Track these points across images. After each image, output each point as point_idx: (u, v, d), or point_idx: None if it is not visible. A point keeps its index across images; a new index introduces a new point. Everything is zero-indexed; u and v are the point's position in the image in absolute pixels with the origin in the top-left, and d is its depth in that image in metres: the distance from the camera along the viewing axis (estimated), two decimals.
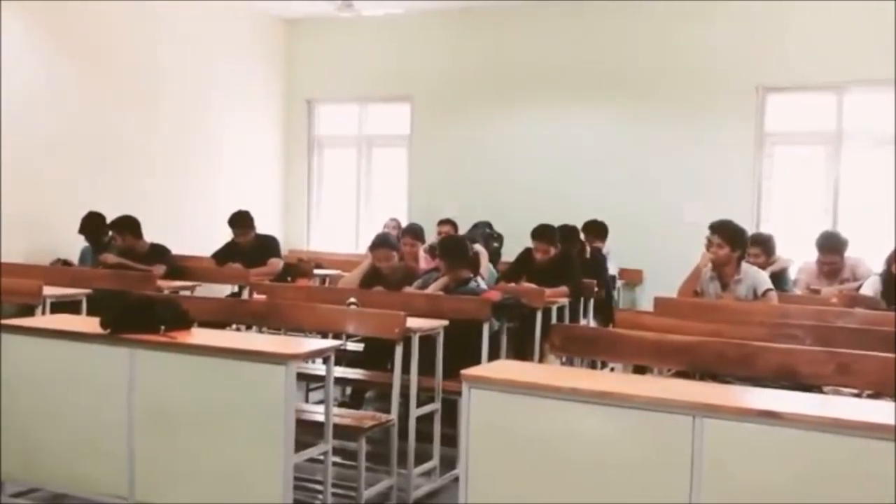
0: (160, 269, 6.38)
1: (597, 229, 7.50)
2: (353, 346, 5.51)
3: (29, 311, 5.19)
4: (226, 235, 7.22)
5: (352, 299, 4.87)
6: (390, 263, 5.66)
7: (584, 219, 7.50)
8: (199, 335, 3.82)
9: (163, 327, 3.70)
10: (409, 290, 5.41)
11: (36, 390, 3.91)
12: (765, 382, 3.50)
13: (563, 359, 4.74)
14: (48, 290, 5.19)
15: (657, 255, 7.90)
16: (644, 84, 8.17)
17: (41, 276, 5.63)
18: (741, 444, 2.69)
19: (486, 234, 7.62)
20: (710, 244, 5.14)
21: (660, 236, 8.00)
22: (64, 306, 5.20)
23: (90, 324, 3.92)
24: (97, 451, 3.75)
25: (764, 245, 6.14)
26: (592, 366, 5.49)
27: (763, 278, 5.12)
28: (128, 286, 5.52)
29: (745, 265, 5.18)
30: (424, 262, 6.43)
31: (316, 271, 7.54)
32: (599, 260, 7.14)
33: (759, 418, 2.67)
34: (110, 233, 6.68)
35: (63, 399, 3.84)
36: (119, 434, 3.68)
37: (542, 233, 6.37)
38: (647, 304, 7.00)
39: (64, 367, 3.87)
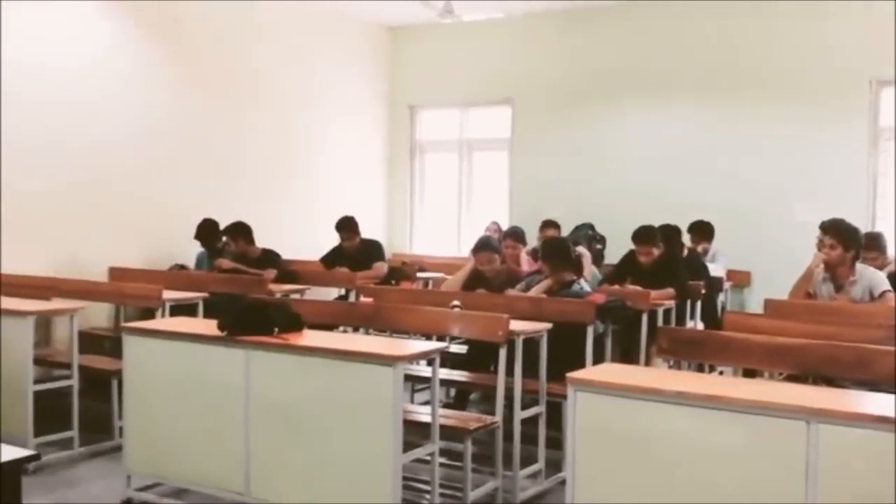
0: (271, 273, 6.59)
1: (703, 230, 7.35)
2: (456, 348, 5.57)
3: (150, 314, 5.45)
4: (329, 240, 7.40)
5: (455, 302, 4.93)
6: (493, 266, 5.69)
7: (689, 219, 7.36)
8: (310, 337, 3.94)
9: (276, 329, 3.83)
10: (511, 292, 5.43)
11: (158, 389, 4.11)
12: (882, 387, 3.38)
13: (671, 362, 4.67)
14: (167, 294, 5.42)
15: (766, 256, 7.69)
16: (751, 81, 7.96)
17: (160, 280, 5.88)
18: (857, 450, 2.62)
19: (589, 235, 7.56)
20: (821, 244, 4.99)
21: (769, 237, 7.78)
22: (182, 309, 5.44)
23: (208, 326, 4.10)
24: (216, 447, 3.91)
25: (877, 244, 5.88)
26: (700, 369, 5.39)
27: (880, 279, 4.93)
28: (241, 290, 5.73)
29: (860, 266, 4.99)
30: (527, 264, 6.44)
31: (419, 274, 7.65)
32: (698, 260, 6.98)
33: (876, 424, 2.60)
34: (224, 238, 6.95)
35: (183, 398, 4.03)
36: (236, 432, 3.84)
37: (642, 235, 6.28)
38: (755, 307, 6.83)
39: (183, 367, 4.05)
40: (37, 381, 4.82)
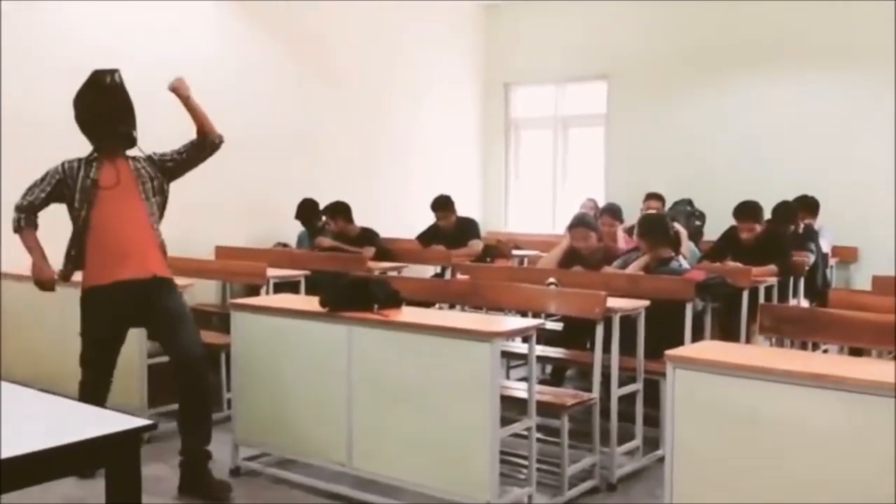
0: (370, 251, 6.71)
1: (807, 205, 7.12)
2: (552, 325, 5.58)
3: (254, 290, 5.64)
4: (424, 218, 7.48)
5: (551, 279, 4.93)
6: (588, 243, 5.64)
7: (791, 194, 7.13)
8: (409, 313, 4.01)
9: (376, 306, 3.92)
10: (608, 269, 5.40)
11: (264, 363, 4.26)
12: None
13: (773, 340, 4.57)
14: (271, 272, 5.59)
15: (875, 231, 7.41)
16: (856, 51, 7.63)
17: (264, 258, 6.07)
18: None
19: (688, 212, 7.44)
20: None
21: (878, 211, 7.48)
22: (285, 286, 5.61)
23: (310, 303, 4.22)
24: (319, 420, 4.04)
25: None
26: (803, 348, 5.26)
27: None
28: (342, 267, 5.86)
29: None
30: (624, 241, 6.38)
31: (514, 252, 7.66)
32: (809, 235, 6.78)
33: None
34: (324, 218, 7.11)
35: (288, 371, 4.16)
36: (339, 405, 3.95)
37: (744, 210, 6.13)
38: (862, 284, 6.59)
39: (288, 342, 4.19)
40: (150, 356, 5.04)
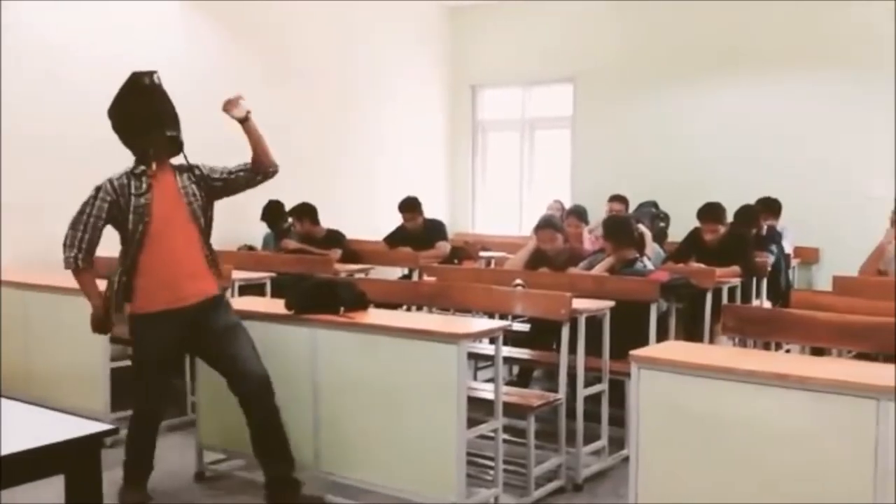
0: (336, 253, 6.69)
1: (769, 206, 7.22)
2: (518, 326, 5.60)
3: None
4: (391, 220, 7.46)
5: (518, 281, 4.95)
6: (555, 245, 5.68)
7: (755, 196, 7.23)
8: (376, 315, 4.00)
9: (342, 308, 3.91)
10: (574, 271, 5.43)
11: None
12: None
13: (736, 340, 4.62)
14: (236, 274, 5.55)
15: (836, 232, 7.53)
16: (818, 55, 7.76)
17: (230, 261, 5.97)
18: None
19: (652, 213, 7.50)
20: (894, 221, 4.87)
21: (839, 213, 7.61)
22: (251, 289, 5.57)
23: (276, 305, 4.20)
24: (286, 422, 4.00)
25: None
26: (766, 348, 5.32)
27: None
28: (308, 270, 5.83)
29: None
30: (589, 243, 6.42)
31: (481, 253, 7.68)
32: (772, 237, 6.87)
33: None
34: (290, 219, 7.07)
35: None
36: (305, 408, 3.93)
37: (707, 212, 6.21)
38: (823, 284, 6.69)
39: None
40: (113, 359, 4.98)
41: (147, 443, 3.92)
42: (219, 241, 6.96)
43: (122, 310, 3.74)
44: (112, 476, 4.12)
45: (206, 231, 3.84)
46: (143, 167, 3.71)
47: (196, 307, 3.75)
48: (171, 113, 3.75)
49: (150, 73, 3.74)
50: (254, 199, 6.99)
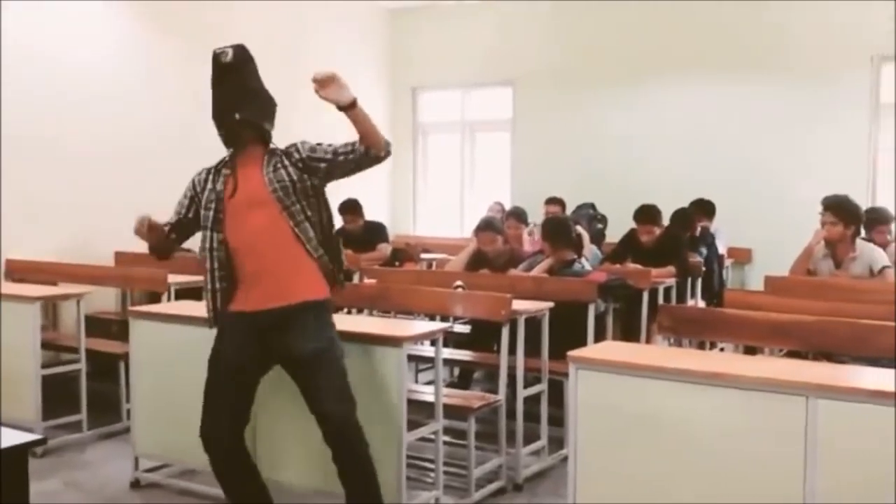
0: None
1: (704, 208, 7.38)
2: (459, 328, 5.61)
3: (156, 297, 5.50)
4: (334, 222, 7.40)
5: (458, 282, 4.96)
6: (495, 247, 5.71)
7: (690, 198, 7.37)
8: None
9: None
10: (514, 272, 5.47)
11: (164, 372, 4.16)
12: (881, 362, 3.41)
13: (671, 340, 4.71)
14: (173, 278, 5.46)
15: (767, 233, 7.71)
16: (751, 59, 7.95)
17: (166, 265, 5.88)
18: (856, 425, 2.64)
19: (590, 215, 7.61)
20: (823, 222, 5.01)
21: (770, 214, 7.80)
22: (188, 293, 5.48)
23: None
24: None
25: (883, 217, 5.85)
26: (701, 347, 5.43)
27: (880, 255, 4.96)
28: None
29: (860, 242, 5.03)
30: (529, 244, 6.47)
31: (422, 255, 7.68)
32: (705, 238, 7.02)
33: (875, 398, 2.62)
34: None
35: (189, 380, 4.02)
36: None
37: (643, 214, 6.32)
38: (756, 284, 6.85)
39: (189, 350, 4.06)
40: (45, 366, 4.87)
41: (226, 479, 3.37)
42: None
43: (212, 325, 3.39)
44: (41, 487, 4.05)
45: (309, 223, 3.28)
46: (226, 159, 3.40)
47: (270, 315, 3.23)
48: (245, 93, 3.30)
49: (227, 50, 3.30)
50: None
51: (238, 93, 3.28)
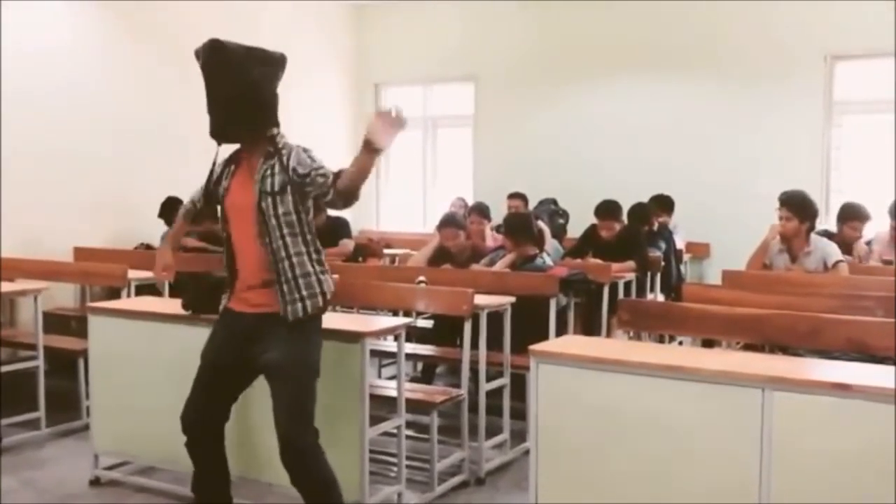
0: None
1: (662, 203, 7.47)
2: (423, 322, 5.62)
3: (115, 293, 5.44)
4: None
5: (421, 278, 4.98)
6: (457, 242, 5.74)
7: (650, 194, 7.46)
8: None
9: None
10: (476, 267, 5.50)
11: (124, 369, 4.12)
12: (835, 355, 3.49)
13: (631, 333, 4.77)
14: (132, 274, 5.40)
15: (724, 228, 7.83)
16: (711, 57, 8.07)
17: (126, 260, 5.85)
18: (811, 416, 2.70)
19: (552, 210, 7.66)
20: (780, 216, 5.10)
21: (727, 209, 7.92)
22: (147, 289, 5.44)
23: (172, 305, 4.11)
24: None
25: (859, 214, 5.88)
26: (661, 340, 5.51)
27: (833, 250, 5.05)
28: (207, 268, 5.71)
29: (814, 237, 5.12)
30: (491, 239, 6.50)
31: (385, 251, 7.67)
32: (663, 233, 7.11)
33: (829, 390, 2.68)
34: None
35: (149, 377, 4.03)
36: None
37: (604, 209, 6.39)
38: (714, 278, 6.96)
39: (149, 346, 4.06)
40: (2, 363, 4.81)
41: (196, 460, 3.35)
42: (115, 239, 6.97)
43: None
44: None
45: (287, 231, 3.18)
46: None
47: (250, 318, 3.20)
48: (217, 102, 3.19)
49: (198, 50, 3.21)
50: (151, 196, 6.85)
51: (211, 102, 3.20)
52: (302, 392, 3.14)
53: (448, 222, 5.84)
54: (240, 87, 3.15)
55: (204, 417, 3.29)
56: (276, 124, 3.28)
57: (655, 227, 7.05)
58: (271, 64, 3.27)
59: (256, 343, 3.17)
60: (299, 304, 3.14)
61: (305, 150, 3.26)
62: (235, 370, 3.28)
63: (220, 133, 3.21)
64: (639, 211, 6.86)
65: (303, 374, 3.15)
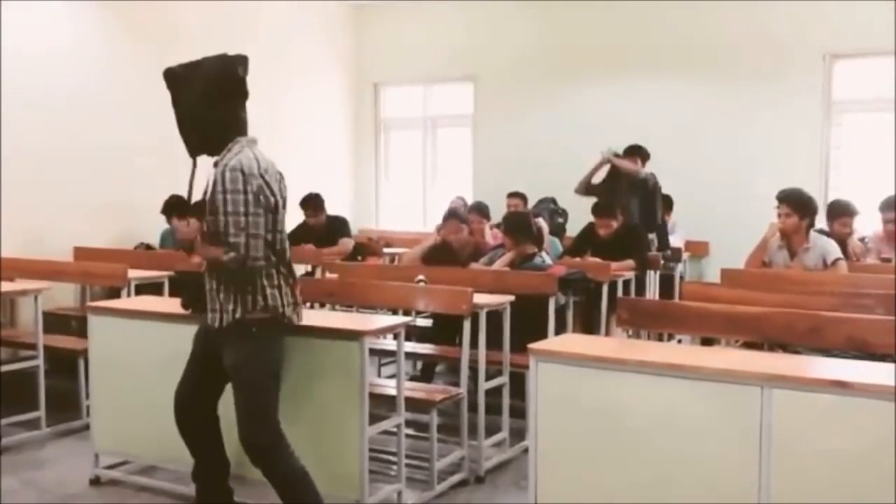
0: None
1: (662, 202, 7.46)
2: (422, 321, 5.63)
3: (115, 293, 5.44)
4: (293, 216, 7.38)
5: (420, 277, 4.98)
6: (460, 236, 5.75)
7: None
8: None
9: None
10: (475, 266, 5.50)
11: (124, 368, 4.12)
12: (834, 353, 3.50)
13: (630, 332, 4.77)
14: (132, 274, 5.41)
15: (724, 227, 7.83)
16: (710, 56, 8.06)
17: (126, 260, 5.86)
18: (810, 414, 2.70)
19: (551, 209, 7.66)
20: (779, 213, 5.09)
21: (726, 208, 7.92)
22: (147, 288, 5.44)
23: (172, 304, 4.10)
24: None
25: (847, 210, 5.89)
26: (660, 339, 5.51)
27: (832, 247, 5.05)
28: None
29: (814, 234, 5.12)
30: (491, 238, 6.51)
31: (385, 250, 7.69)
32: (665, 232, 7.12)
33: (829, 388, 2.68)
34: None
35: (149, 376, 4.03)
36: None
37: (602, 208, 6.39)
38: (713, 277, 6.96)
39: (149, 345, 4.06)
40: (2, 363, 4.81)
41: (189, 440, 3.53)
42: (115, 238, 6.97)
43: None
44: None
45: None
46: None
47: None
48: (177, 113, 3.41)
49: (169, 69, 3.39)
50: (151, 196, 6.85)
51: (177, 111, 3.40)
52: (258, 391, 3.28)
53: (451, 216, 5.88)
54: (186, 107, 3.37)
55: (194, 391, 3.48)
56: (234, 133, 3.51)
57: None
58: (221, 69, 3.40)
59: (218, 343, 3.35)
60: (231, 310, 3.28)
61: (224, 172, 3.36)
62: (208, 367, 3.44)
63: (189, 150, 3.48)
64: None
65: (258, 375, 3.28)
